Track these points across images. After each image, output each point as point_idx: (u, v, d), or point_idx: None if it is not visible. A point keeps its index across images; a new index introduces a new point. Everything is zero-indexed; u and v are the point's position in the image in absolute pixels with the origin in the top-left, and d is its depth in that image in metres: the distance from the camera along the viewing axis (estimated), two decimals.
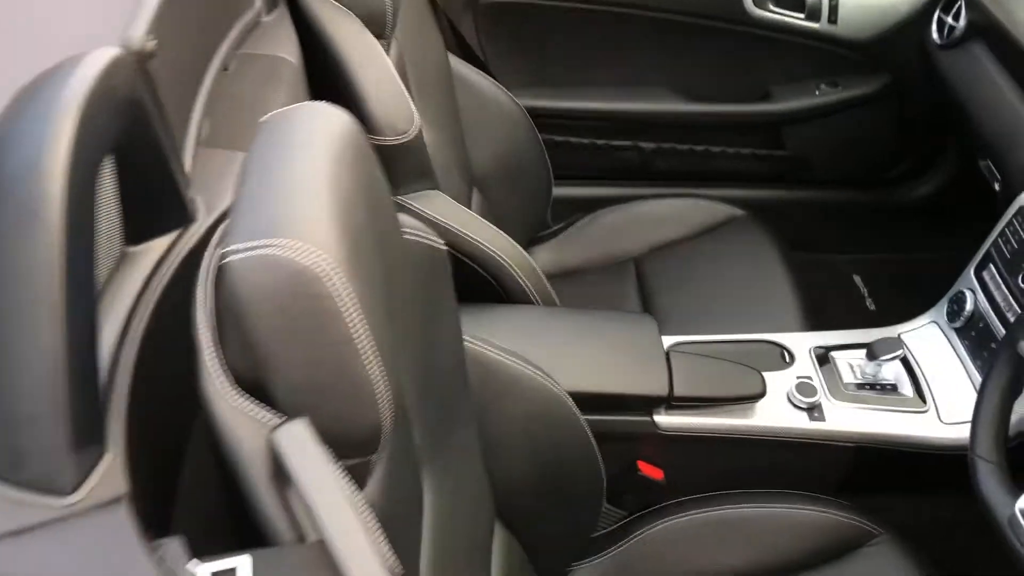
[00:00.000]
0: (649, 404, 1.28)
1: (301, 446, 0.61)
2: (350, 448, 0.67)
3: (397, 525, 0.80)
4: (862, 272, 2.07)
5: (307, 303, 0.61)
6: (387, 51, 1.31)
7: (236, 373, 0.65)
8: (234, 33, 1.14)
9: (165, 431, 0.76)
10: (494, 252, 1.35)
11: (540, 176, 1.84)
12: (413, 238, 0.94)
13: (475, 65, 1.74)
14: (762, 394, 1.28)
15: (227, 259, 0.61)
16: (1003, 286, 1.31)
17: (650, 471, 1.31)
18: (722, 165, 1.97)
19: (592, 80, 1.92)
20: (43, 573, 0.58)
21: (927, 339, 1.41)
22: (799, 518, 1.27)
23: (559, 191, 1.98)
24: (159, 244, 0.82)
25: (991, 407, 1.06)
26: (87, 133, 0.62)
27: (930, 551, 1.26)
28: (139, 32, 0.81)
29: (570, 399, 1.17)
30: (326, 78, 1.25)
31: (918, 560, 1.23)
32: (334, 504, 0.60)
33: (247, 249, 0.60)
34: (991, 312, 1.32)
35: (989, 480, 1.03)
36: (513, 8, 1.80)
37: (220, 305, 0.64)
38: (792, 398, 1.31)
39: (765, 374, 1.33)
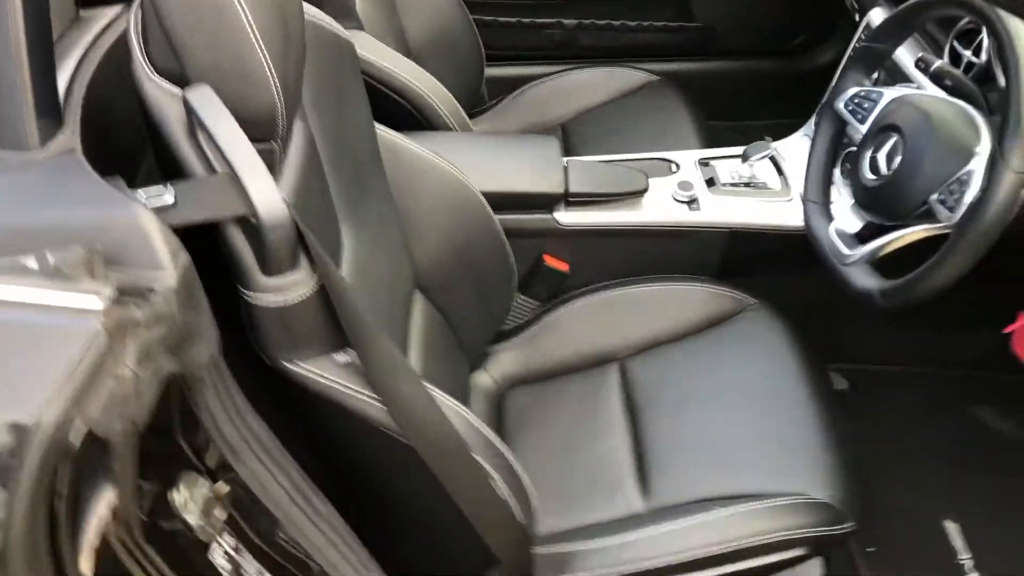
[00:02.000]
0: (549, 202, 1.48)
1: (207, 101, 0.81)
2: (250, 126, 0.87)
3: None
4: (774, 134, 2.27)
5: (210, 2, 0.81)
6: None
7: (157, 66, 0.85)
8: None
9: (115, 136, 0.96)
10: (415, 85, 1.55)
11: (472, 51, 2.04)
12: (318, 22, 1.14)
13: None
14: (645, 189, 1.49)
15: None
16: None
17: (556, 263, 1.52)
18: (640, 39, 2.17)
19: None
20: (23, 193, 0.78)
21: (797, 147, 1.61)
22: (684, 294, 1.48)
23: (493, 71, 2.18)
24: (109, 11, 1.02)
25: (818, 159, 1.26)
26: None
27: (796, 319, 1.47)
28: None
29: (478, 192, 1.37)
30: None
31: (786, 323, 1.44)
32: (237, 143, 0.81)
33: None
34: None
35: (815, 216, 1.24)
36: None
37: (145, 13, 0.84)
38: (675, 195, 1.51)
39: (653, 179, 1.54)
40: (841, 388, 1.59)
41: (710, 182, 1.57)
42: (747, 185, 1.54)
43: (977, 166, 0.96)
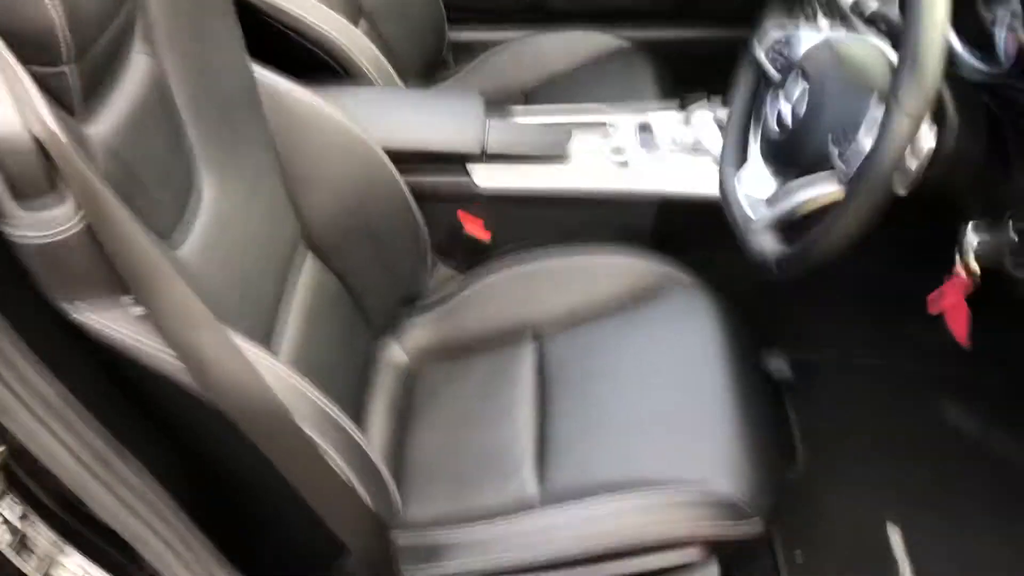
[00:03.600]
0: (464, 162, 1.36)
1: None
2: (26, 46, 0.77)
3: (136, 175, 0.90)
4: None
5: None
6: None
7: None
8: None
9: None
10: (331, 34, 1.45)
11: (430, 12, 1.93)
12: None
13: None
14: (569, 152, 1.36)
15: None
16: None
17: (476, 231, 1.40)
18: (613, 3, 2.04)
19: None
20: None
21: None
22: (610, 265, 1.36)
23: (459, 35, 2.07)
24: None
25: (735, 114, 1.13)
26: None
27: (741, 300, 1.34)
28: None
29: (375, 146, 1.26)
30: None
31: (719, 301, 1.31)
32: None
33: None
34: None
35: (728, 178, 1.10)
36: None
37: None
38: (605, 158, 1.38)
39: (587, 142, 1.41)
40: (784, 376, 1.45)
41: (649, 147, 1.44)
42: (686, 150, 1.41)
43: (879, 112, 0.82)
